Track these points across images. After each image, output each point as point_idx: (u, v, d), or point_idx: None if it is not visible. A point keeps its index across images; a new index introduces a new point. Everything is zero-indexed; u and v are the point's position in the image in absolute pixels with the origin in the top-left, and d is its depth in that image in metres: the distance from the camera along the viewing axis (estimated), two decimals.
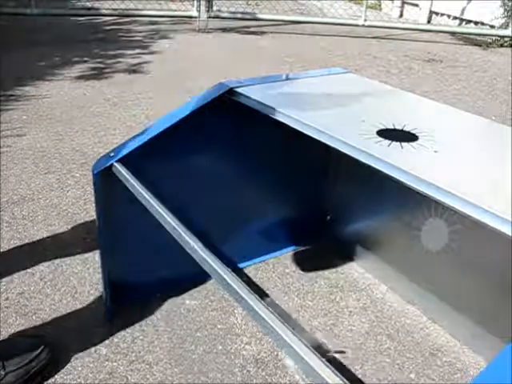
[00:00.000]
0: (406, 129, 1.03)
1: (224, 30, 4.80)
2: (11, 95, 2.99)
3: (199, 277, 1.47)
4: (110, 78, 3.36)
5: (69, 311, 1.42)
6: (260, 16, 4.92)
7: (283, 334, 0.73)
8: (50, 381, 1.21)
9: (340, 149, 0.96)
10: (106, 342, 1.33)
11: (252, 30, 4.86)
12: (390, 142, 0.96)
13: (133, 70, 3.55)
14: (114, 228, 1.30)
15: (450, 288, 1.39)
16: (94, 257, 1.62)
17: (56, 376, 1.23)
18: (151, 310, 1.44)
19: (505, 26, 4.73)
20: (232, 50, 4.07)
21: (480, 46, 4.71)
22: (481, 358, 1.32)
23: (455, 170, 0.89)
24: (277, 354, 1.31)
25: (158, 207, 1.02)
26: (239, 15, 4.92)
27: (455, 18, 5.26)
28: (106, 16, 4.86)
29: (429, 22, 5.50)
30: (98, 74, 3.41)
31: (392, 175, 0.87)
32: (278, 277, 1.60)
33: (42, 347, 1.23)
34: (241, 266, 1.62)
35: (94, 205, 1.26)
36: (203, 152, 1.37)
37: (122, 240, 1.33)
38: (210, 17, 4.74)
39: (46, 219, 1.82)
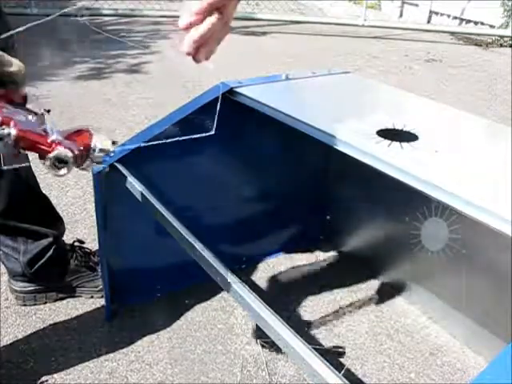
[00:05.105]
0: (405, 129, 1.03)
1: None
2: None
3: (199, 277, 1.47)
4: (110, 78, 3.36)
5: (69, 311, 1.42)
6: (260, 16, 4.92)
7: (283, 334, 0.73)
8: (50, 381, 1.21)
9: (340, 149, 0.96)
10: (106, 342, 1.33)
11: (252, 29, 4.86)
12: (390, 142, 0.96)
13: (133, 70, 3.55)
14: (114, 228, 1.30)
15: (450, 288, 1.39)
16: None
17: (56, 376, 1.23)
18: (151, 310, 1.44)
19: (505, 25, 4.73)
20: (232, 50, 4.06)
21: (480, 46, 4.71)
22: (481, 358, 1.32)
23: (455, 169, 0.89)
24: (277, 354, 1.31)
25: (157, 207, 1.01)
26: (239, 15, 4.92)
27: (455, 17, 5.26)
28: (107, 16, 4.86)
29: (429, 21, 5.49)
30: (98, 74, 3.41)
31: (392, 175, 0.87)
32: (278, 277, 1.60)
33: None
34: (241, 266, 1.62)
35: (93, 205, 1.26)
36: (203, 152, 1.37)
37: (121, 240, 1.33)
38: None
39: None
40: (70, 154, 0.72)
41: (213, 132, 0.96)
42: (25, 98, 0.77)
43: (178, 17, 0.67)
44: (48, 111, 0.77)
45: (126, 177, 1.12)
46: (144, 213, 1.08)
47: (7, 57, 0.73)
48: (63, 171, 0.73)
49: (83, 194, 1.98)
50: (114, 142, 0.82)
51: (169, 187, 1.27)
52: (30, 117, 0.74)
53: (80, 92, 3.10)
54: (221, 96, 1.24)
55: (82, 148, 0.76)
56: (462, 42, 4.84)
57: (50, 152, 0.72)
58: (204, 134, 0.95)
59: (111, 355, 1.29)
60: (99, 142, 0.79)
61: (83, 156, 0.77)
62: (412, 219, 1.41)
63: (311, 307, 1.48)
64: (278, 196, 1.60)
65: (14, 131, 0.68)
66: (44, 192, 1.39)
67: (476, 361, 1.32)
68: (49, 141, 0.72)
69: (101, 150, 0.78)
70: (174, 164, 1.34)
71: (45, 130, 0.73)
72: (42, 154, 0.72)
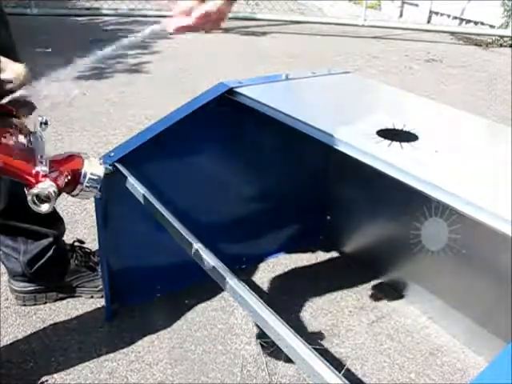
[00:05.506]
0: (405, 129, 1.03)
1: (224, 30, 4.80)
2: None
3: (199, 277, 1.47)
4: (110, 77, 3.36)
5: (69, 311, 1.42)
6: (260, 16, 4.92)
7: (283, 334, 0.73)
8: (50, 381, 1.21)
9: (340, 149, 0.97)
10: (106, 342, 1.33)
11: (252, 29, 4.86)
12: (390, 142, 0.96)
13: (133, 69, 3.55)
14: (114, 228, 1.30)
15: (450, 288, 1.39)
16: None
17: (56, 376, 1.23)
18: (151, 310, 1.44)
19: (505, 25, 4.72)
20: (232, 50, 4.06)
21: (480, 45, 4.71)
22: (481, 358, 1.32)
23: (455, 169, 0.89)
24: (277, 354, 1.31)
25: (157, 207, 1.02)
26: (239, 15, 4.92)
27: (455, 17, 5.26)
28: (106, 16, 4.86)
29: (429, 21, 5.49)
30: (98, 74, 3.40)
31: (392, 175, 0.87)
32: (278, 277, 1.60)
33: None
34: (241, 265, 1.62)
35: (93, 205, 1.26)
36: (203, 152, 1.37)
37: (121, 240, 1.33)
38: None
39: None
40: (52, 190, 0.67)
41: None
42: (26, 107, 0.73)
43: None
44: (45, 123, 0.73)
45: (127, 177, 1.12)
46: (144, 213, 1.08)
47: (4, 63, 0.69)
48: (45, 207, 0.67)
49: None
50: (106, 169, 0.78)
51: (169, 187, 1.27)
52: (20, 137, 0.70)
53: (80, 92, 3.10)
54: (221, 96, 1.24)
55: (69, 176, 0.71)
56: (462, 42, 4.84)
57: (33, 184, 0.66)
58: None
59: (111, 355, 1.29)
60: (91, 168, 0.75)
61: (72, 183, 0.72)
62: (412, 219, 1.41)
63: (311, 307, 1.48)
64: (278, 196, 1.60)
65: None
66: None
67: (476, 361, 1.32)
68: (33, 171, 0.67)
69: (91, 179, 0.74)
70: (174, 164, 1.34)
71: (33, 154, 0.67)
72: (25, 184, 0.67)
